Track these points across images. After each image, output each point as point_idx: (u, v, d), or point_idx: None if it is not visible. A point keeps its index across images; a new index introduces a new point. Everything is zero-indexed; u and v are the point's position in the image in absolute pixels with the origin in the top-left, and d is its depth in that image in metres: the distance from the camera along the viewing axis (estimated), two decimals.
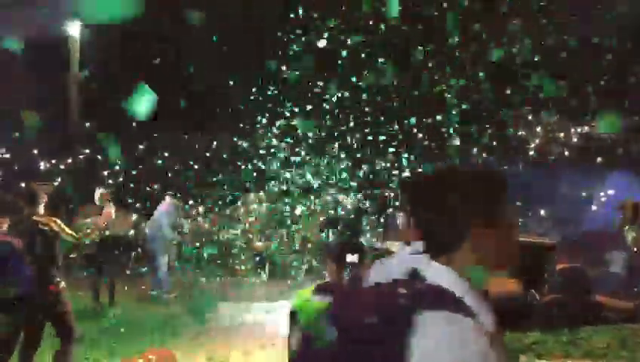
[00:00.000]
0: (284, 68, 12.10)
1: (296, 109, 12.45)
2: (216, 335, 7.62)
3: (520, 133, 12.68)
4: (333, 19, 12.06)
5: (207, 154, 14.00)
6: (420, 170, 12.09)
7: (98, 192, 9.20)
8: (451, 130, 12.22)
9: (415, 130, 12.29)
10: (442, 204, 1.30)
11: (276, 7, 12.37)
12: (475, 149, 12.15)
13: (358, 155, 12.61)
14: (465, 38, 11.69)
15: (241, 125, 13.16)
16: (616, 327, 3.71)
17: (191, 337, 7.40)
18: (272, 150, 12.83)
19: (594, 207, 10.94)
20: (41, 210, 5.24)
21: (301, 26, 12.18)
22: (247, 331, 7.87)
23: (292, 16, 12.30)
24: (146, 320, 8.36)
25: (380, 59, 11.91)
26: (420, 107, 12.06)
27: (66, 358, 5.23)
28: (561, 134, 12.63)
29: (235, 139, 13.42)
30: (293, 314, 6.01)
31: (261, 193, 13.22)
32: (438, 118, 12.07)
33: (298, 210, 12.85)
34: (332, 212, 12.84)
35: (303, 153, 12.64)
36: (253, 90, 12.65)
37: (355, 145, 12.58)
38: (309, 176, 12.72)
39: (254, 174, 12.93)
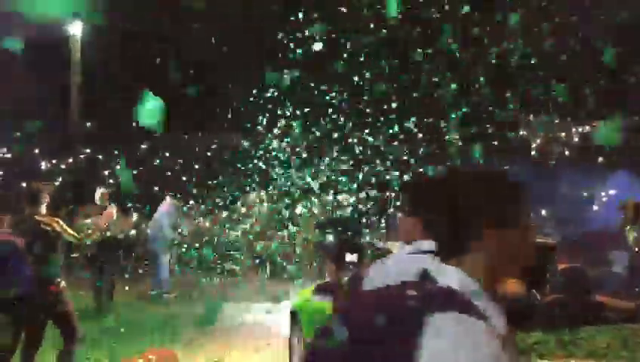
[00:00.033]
0: (284, 69, 12.10)
1: (297, 111, 12.46)
2: (216, 335, 7.61)
3: (521, 133, 12.68)
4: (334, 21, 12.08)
5: (209, 154, 14.01)
6: (420, 170, 12.09)
7: (98, 192, 9.19)
8: (450, 131, 12.23)
9: (416, 130, 12.29)
10: (453, 206, 1.29)
11: (276, 7, 12.37)
12: (475, 150, 12.14)
13: (359, 156, 12.61)
14: (464, 39, 11.70)
15: (241, 125, 13.16)
16: (617, 327, 3.71)
17: (191, 337, 7.39)
18: (273, 151, 12.84)
19: (595, 207, 10.94)
20: (44, 209, 5.23)
21: (300, 29, 12.18)
22: (248, 331, 7.87)
23: (292, 18, 12.31)
24: (146, 320, 8.35)
25: (380, 60, 11.92)
26: (420, 108, 12.07)
27: (70, 358, 5.22)
28: (562, 134, 12.62)
29: (235, 140, 13.44)
30: (293, 314, 6.01)
31: (262, 193, 13.22)
32: (440, 120, 12.09)
33: (298, 210, 12.85)
34: (332, 212, 12.85)
35: (303, 154, 12.64)
36: (254, 91, 12.65)
37: (355, 147, 12.59)
38: (308, 178, 12.73)
39: (254, 175, 12.94)
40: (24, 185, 5.67)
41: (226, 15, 13.58)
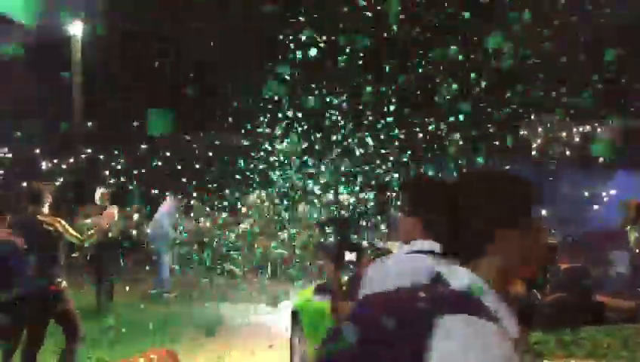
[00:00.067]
0: (284, 69, 12.09)
1: (297, 112, 12.46)
2: (216, 335, 7.60)
3: (522, 133, 12.68)
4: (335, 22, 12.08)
5: (210, 154, 14.01)
6: (421, 170, 12.09)
7: (99, 192, 9.18)
8: (449, 131, 12.23)
9: (416, 130, 12.29)
10: (467, 208, 1.28)
11: (277, 7, 12.37)
12: (475, 150, 12.15)
13: (360, 156, 12.61)
14: (464, 40, 11.70)
15: (241, 126, 13.16)
16: (618, 327, 3.70)
17: (191, 337, 7.39)
18: (273, 151, 12.84)
19: (596, 207, 10.94)
20: (46, 209, 5.23)
21: (301, 30, 12.18)
22: (249, 331, 7.86)
23: (293, 20, 12.31)
24: (147, 320, 8.34)
25: (380, 61, 11.92)
26: (420, 109, 12.07)
27: (72, 357, 5.22)
28: (563, 134, 12.62)
29: (235, 140, 13.44)
30: (294, 314, 6.00)
31: (262, 194, 13.21)
32: (439, 122, 12.09)
33: (298, 210, 12.85)
34: (332, 212, 12.84)
35: (303, 155, 12.64)
36: (254, 91, 12.66)
37: (355, 148, 12.59)
38: (308, 179, 12.73)
39: (254, 175, 12.94)
40: (25, 184, 5.66)
41: (226, 15, 13.58)
